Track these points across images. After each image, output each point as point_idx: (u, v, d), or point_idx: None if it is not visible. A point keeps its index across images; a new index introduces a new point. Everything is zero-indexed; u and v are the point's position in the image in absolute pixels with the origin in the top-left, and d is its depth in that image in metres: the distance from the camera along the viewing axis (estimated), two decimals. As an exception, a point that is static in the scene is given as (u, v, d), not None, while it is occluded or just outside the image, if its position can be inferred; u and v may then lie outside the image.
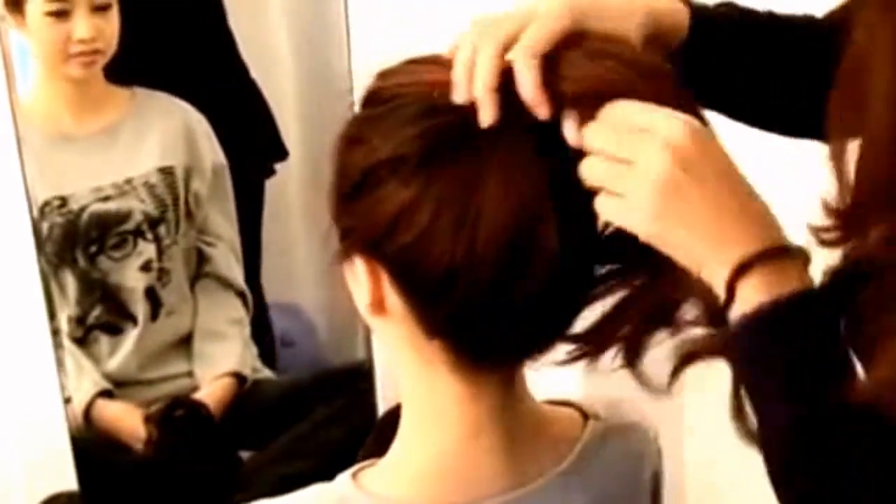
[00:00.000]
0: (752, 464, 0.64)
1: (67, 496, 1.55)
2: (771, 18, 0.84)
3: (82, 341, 1.67)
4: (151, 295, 1.71)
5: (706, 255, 0.61)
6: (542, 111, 0.63)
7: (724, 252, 0.61)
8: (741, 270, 0.60)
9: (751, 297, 0.60)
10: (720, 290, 0.61)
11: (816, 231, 0.69)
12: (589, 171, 0.63)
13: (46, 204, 1.62)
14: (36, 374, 1.56)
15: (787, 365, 0.61)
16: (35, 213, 1.58)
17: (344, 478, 0.72)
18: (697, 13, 0.77)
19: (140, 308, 1.70)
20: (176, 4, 1.79)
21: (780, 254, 0.61)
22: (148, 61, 1.72)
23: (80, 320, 1.67)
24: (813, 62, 0.76)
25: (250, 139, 1.86)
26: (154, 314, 1.72)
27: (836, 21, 0.76)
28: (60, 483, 1.56)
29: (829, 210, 0.69)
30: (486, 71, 0.64)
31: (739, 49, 0.81)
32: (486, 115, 0.63)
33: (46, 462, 1.56)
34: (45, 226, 1.62)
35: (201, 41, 1.82)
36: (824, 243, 0.69)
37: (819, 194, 0.69)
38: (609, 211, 0.63)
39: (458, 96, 0.64)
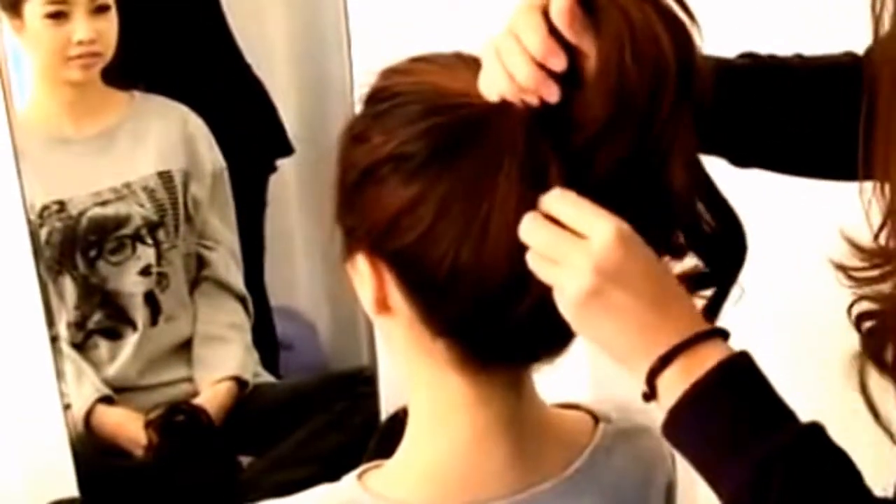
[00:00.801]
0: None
1: (67, 503, 1.54)
2: (800, 62, 0.82)
3: (82, 347, 1.66)
4: (151, 300, 1.70)
5: (630, 355, 0.63)
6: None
7: (646, 350, 0.62)
8: (660, 366, 0.62)
9: (673, 389, 0.62)
10: (645, 388, 0.63)
11: (845, 270, 0.69)
12: (530, 263, 0.63)
13: (45, 209, 1.61)
14: (35, 380, 1.54)
15: (718, 440, 0.62)
16: (33, 218, 1.57)
17: (350, 479, 0.71)
18: (719, 64, 0.74)
19: (139, 313, 1.69)
20: (174, 5, 1.78)
21: (697, 341, 0.62)
22: (148, 62, 1.71)
23: (79, 325, 1.66)
24: (848, 103, 0.74)
25: (255, 136, 1.85)
26: (153, 319, 1.71)
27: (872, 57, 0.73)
28: (60, 490, 1.54)
29: (860, 248, 0.68)
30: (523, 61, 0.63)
31: (768, 96, 0.79)
32: (551, 93, 0.63)
33: (46, 469, 1.55)
34: (44, 231, 1.61)
35: (201, 40, 1.82)
36: (856, 281, 0.69)
37: (841, 229, 0.69)
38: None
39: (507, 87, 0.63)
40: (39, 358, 1.54)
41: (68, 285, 1.64)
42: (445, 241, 0.62)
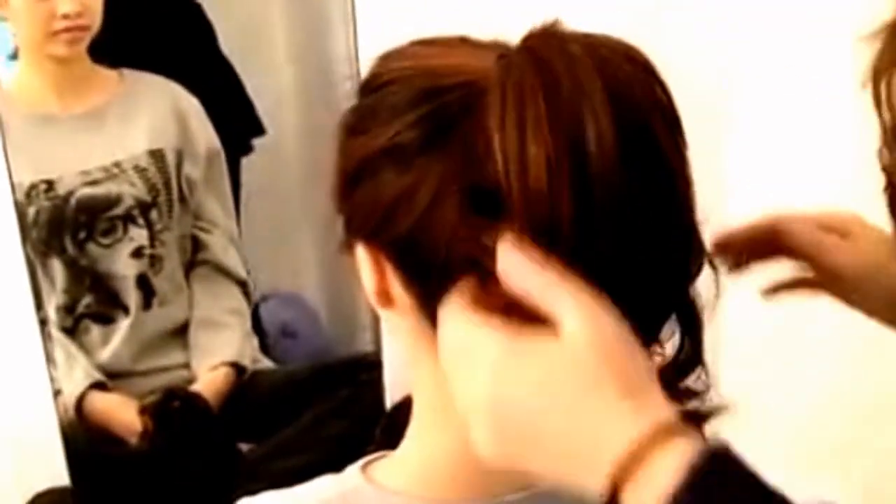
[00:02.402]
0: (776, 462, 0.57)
1: (58, 492, 1.49)
2: None
3: (72, 331, 1.62)
4: (143, 283, 1.65)
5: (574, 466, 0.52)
6: None
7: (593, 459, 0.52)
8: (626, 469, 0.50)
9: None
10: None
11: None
12: None
13: (33, 187, 1.56)
14: (24, 365, 1.50)
15: None
16: (20, 197, 1.52)
17: (353, 470, 0.69)
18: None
19: (132, 297, 1.64)
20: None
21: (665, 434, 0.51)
22: (118, 42, 1.66)
23: (69, 309, 1.61)
24: None
25: (227, 117, 1.81)
26: (146, 303, 1.66)
27: None
28: (51, 479, 1.50)
29: None
30: None
31: None
32: None
33: (36, 458, 1.51)
34: (31, 210, 1.56)
35: (172, 19, 1.79)
36: None
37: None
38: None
39: None
40: (28, 343, 1.49)
41: (57, 267, 1.59)
42: (441, 225, 0.58)
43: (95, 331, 1.63)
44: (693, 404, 0.60)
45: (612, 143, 0.55)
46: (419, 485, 0.66)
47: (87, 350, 1.62)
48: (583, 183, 0.55)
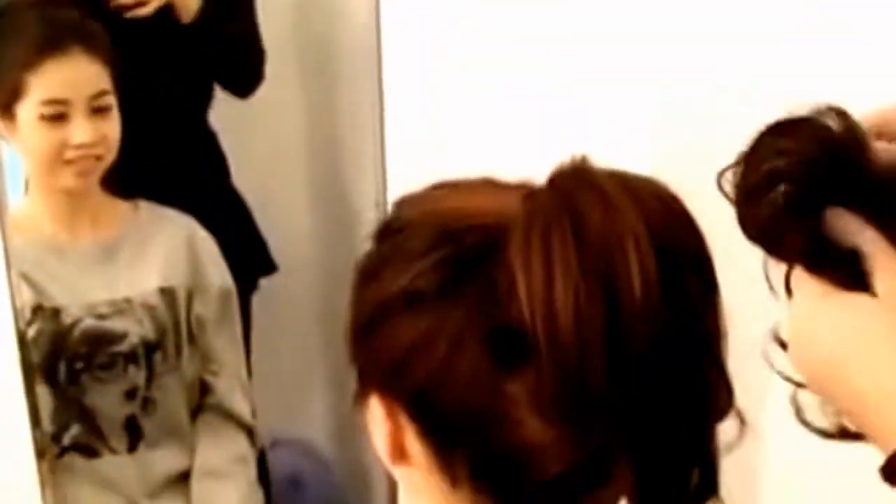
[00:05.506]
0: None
1: None
2: None
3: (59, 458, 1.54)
4: (131, 425, 1.57)
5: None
6: None
7: None
8: None
9: None
10: None
11: None
12: None
13: (39, 308, 1.51)
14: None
15: None
16: (24, 316, 1.48)
17: None
18: None
19: (117, 436, 1.56)
20: (164, 116, 1.76)
21: None
22: (136, 174, 1.64)
23: (55, 438, 1.53)
24: None
25: (239, 255, 1.78)
26: (132, 445, 1.58)
27: None
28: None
29: None
30: None
31: None
32: None
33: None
34: (32, 330, 1.50)
35: (190, 157, 1.81)
36: None
37: None
38: None
39: None
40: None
41: (42, 394, 1.51)
42: (461, 373, 0.56)
43: (80, 463, 1.55)
44: None
45: (657, 289, 0.51)
46: None
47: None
48: (617, 330, 0.50)
